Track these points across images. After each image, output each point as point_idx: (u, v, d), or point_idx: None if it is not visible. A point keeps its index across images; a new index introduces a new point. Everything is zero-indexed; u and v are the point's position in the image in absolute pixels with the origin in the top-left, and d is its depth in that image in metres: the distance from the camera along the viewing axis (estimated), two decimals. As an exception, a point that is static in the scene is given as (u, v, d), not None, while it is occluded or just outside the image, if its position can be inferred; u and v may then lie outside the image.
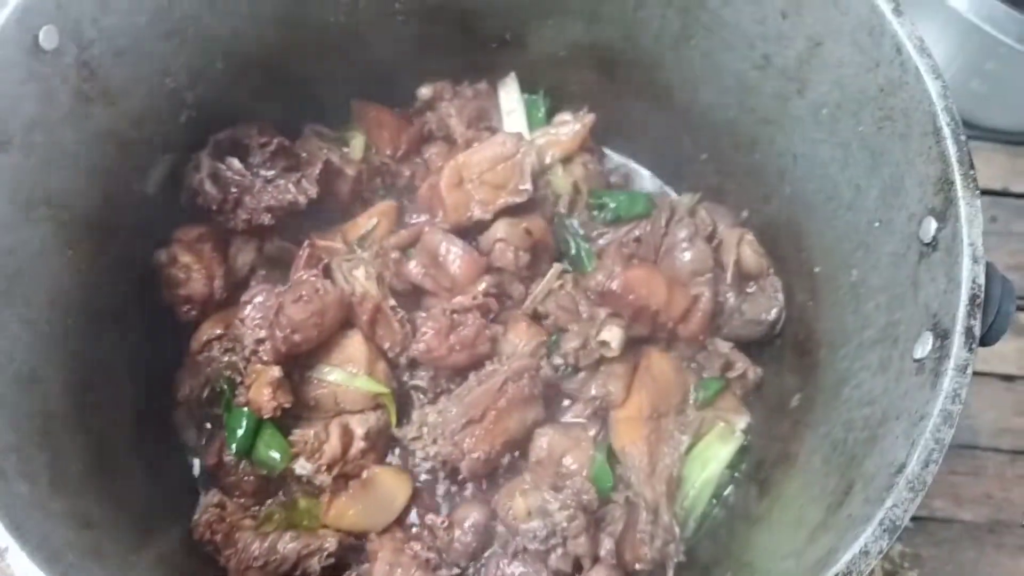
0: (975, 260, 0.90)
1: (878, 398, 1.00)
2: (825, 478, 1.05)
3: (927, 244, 0.97)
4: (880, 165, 1.08)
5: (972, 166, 0.94)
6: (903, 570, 1.79)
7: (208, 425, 1.38)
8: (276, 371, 1.21)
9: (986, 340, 0.90)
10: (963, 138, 0.95)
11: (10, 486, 0.88)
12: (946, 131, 0.96)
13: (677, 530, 1.24)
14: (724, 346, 1.38)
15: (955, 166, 0.94)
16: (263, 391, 1.20)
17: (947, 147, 0.95)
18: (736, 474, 1.35)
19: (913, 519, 1.76)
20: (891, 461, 0.88)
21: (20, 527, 0.84)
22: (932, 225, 0.96)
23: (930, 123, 0.98)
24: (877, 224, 1.09)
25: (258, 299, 1.24)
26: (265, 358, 1.21)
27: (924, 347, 0.92)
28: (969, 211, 0.92)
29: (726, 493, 1.35)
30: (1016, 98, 2.01)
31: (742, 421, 1.37)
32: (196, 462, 1.37)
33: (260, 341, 1.21)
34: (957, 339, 0.87)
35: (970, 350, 0.86)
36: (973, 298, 0.88)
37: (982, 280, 0.89)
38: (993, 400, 1.94)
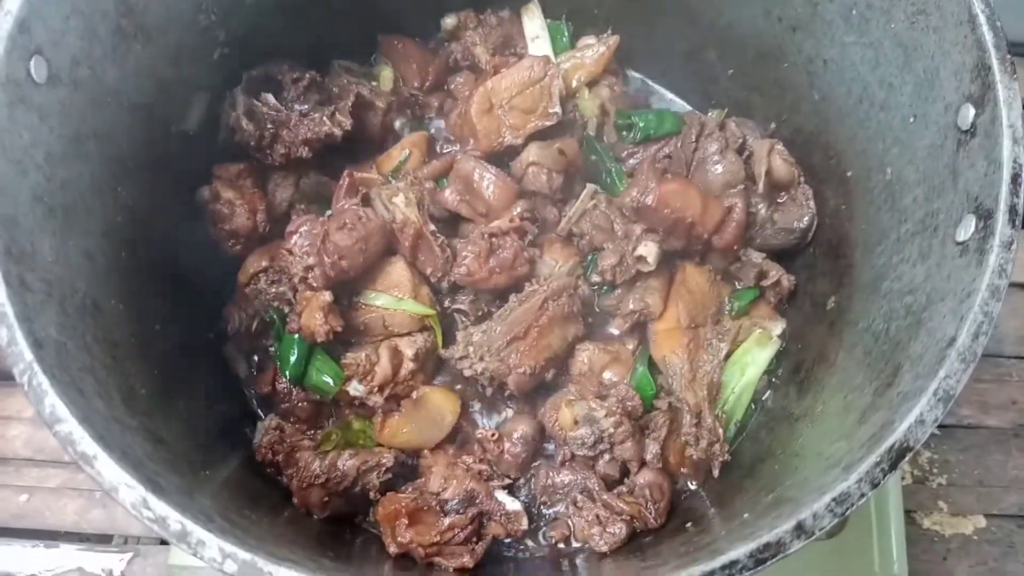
0: (1015, 141, 0.91)
1: (920, 285, 1.03)
2: (868, 368, 1.08)
3: (965, 131, 0.99)
4: (913, 60, 1.09)
5: (1009, 50, 0.95)
6: (932, 476, 1.84)
7: (256, 357, 1.42)
8: (327, 295, 1.24)
9: (1027, 220, 0.93)
10: (998, 23, 0.97)
11: (90, 402, 0.92)
12: (982, 18, 0.97)
13: (721, 431, 1.28)
14: (757, 256, 1.40)
15: (992, 51, 0.96)
16: (315, 316, 1.23)
17: (983, 33, 0.97)
18: (774, 379, 1.39)
19: (940, 427, 1.83)
20: (940, 338, 0.91)
21: (103, 438, 0.87)
22: (970, 112, 0.97)
23: (965, 11, 0.99)
24: (912, 120, 1.11)
25: (304, 228, 1.26)
26: (314, 284, 1.24)
27: (967, 230, 0.94)
28: (1008, 94, 0.93)
29: (764, 397, 1.39)
30: (1030, 8, 2.00)
31: (778, 327, 1.40)
32: (251, 393, 1.41)
33: (309, 268, 1.24)
34: (1001, 217, 0.89)
35: (1014, 226, 0.89)
36: (1015, 177, 0.90)
37: (1023, 159, 0.91)
38: (1016, 309, 1.97)
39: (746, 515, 1.01)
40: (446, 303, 1.40)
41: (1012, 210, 0.89)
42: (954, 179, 1.00)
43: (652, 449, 1.28)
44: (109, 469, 0.85)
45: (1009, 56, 0.95)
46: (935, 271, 1.00)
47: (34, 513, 1.82)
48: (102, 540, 1.81)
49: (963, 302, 0.89)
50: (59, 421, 0.84)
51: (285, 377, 1.31)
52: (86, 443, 0.84)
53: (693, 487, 1.33)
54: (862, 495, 0.83)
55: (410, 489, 1.27)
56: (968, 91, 0.98)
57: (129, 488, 0.84)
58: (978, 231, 0.92)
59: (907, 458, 0.83)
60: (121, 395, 1.01)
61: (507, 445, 1.30)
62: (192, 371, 1.28)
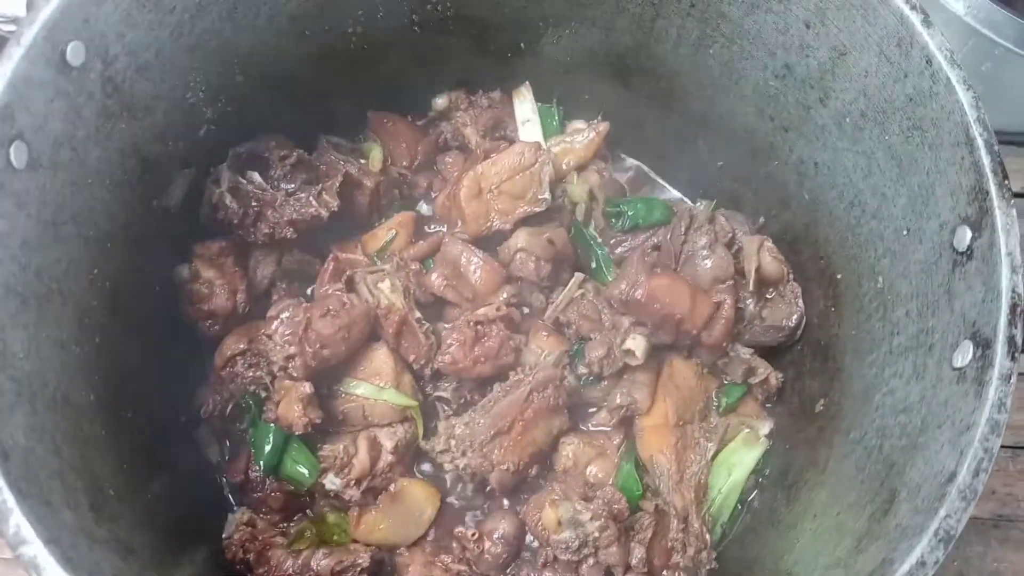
0: (1014, 270, 0.91)
1: (914, 405, 1.01)
2: (861, 485, 1.06)
3: (962, 253, 0.98)
4: (908, 174, 1.09)
5: (1006, 176, 0.95)
6: (911, 566, 1.82)
7: (229, 443, 1.37)
8: (307, 387, 1.20)
9: (1025, 348, 0.92)
10: (996, 148, 0.97)
11: (57, 515, 0.87)
12: (979, 142, 0.97)
13: (708, 537, 1.25)
14: (745, 352, 1.39)
15: (989, 176, 0.95)
16: (294, 407, 1.19)
17: (981, 157, 0.96)
18: (761, 479, 1.37)
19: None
20: (939, 470, 0.89)
21: (71, 560, 0.82)
22: (967, 234, 0.97)
23: (962, 133, 0.99)
24: (905, 232, 1.10)
25: (285, 314, 1.23)
26: (295, 374, 1.21)
27: (964, 356, 0.93)
28: (1006, 221, 0.93)
29: (751, 498, 1.36)
30: (1013, 99, 2.03)
31: (766, 426, 1.38)
32: (222, 479, 1.36)
33: (290, 357, 1.20)
34: (1000, 348, 0.88)
35: (1013, 359, 0.88)
36: (1014, 307, 0.89)
37: (1021, 289, 0.90)
38: (994, 397, 1.97)
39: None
40: (428, 389, 1.37)
41: (1011, 341, 0.88)
42: (949, 300, 0.99)
43: (637, 553, 1.25)
44: (77, 599, 0.80)
45: (1007, 182, 0.95)
46: (931, 393, 0.98)
47: (-15, 586, 1.73)
48: (56, 617, 1.73)
49: (962, 435, 0.88)
50: (24, 543, 0.79)
51: (259, 466, 1.26)
52: (51, 570, 0.79)
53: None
54: (863, 643, 0.80)
55: (386, 590, 1.23)
56: (964, 213, 0.98)
57: (95, 620, 0.79)
58: (976, 359, 0.91)
59: (908, 602, 0.81)
60: (89, 500, 0.96)
61: (487, 544, 1.26)
62: (163, 458, 1.22)
